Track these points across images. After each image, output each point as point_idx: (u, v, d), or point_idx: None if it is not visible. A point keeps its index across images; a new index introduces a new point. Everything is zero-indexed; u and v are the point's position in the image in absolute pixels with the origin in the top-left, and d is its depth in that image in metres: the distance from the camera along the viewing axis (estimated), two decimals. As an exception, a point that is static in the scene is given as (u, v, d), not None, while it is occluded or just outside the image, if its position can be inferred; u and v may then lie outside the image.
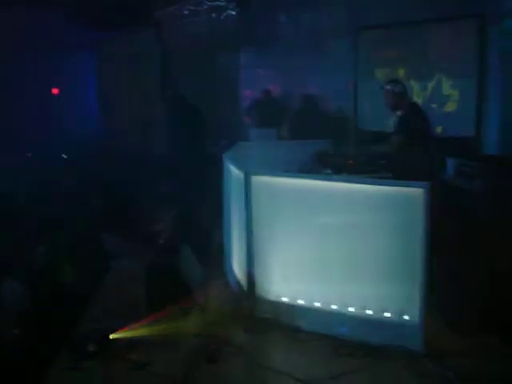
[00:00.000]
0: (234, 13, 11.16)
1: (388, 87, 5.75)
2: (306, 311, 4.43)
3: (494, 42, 7.99)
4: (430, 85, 8.74)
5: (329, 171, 5.55)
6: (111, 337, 4.20)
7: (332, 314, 4.32)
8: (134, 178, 10.58)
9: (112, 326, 4.31)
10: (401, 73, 9.18)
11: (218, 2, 11.17)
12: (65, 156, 11.37)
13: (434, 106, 8.66)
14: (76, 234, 6.58)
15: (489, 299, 4.45)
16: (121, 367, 3.96)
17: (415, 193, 3.88)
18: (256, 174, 4.53)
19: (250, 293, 4.62)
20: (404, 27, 9.15)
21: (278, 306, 4.54)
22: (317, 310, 4.39)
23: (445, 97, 8.59)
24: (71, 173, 10.70)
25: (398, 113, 5.74)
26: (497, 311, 4.32)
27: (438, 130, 7.98)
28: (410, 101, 5.76)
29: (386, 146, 5.68)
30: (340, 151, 5.98)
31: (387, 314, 4.13)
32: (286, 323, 4.46)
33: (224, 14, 11.21)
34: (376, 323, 4.15)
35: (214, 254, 6.36)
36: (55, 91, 13.96)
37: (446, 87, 8.56)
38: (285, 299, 4.54)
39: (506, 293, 4.36)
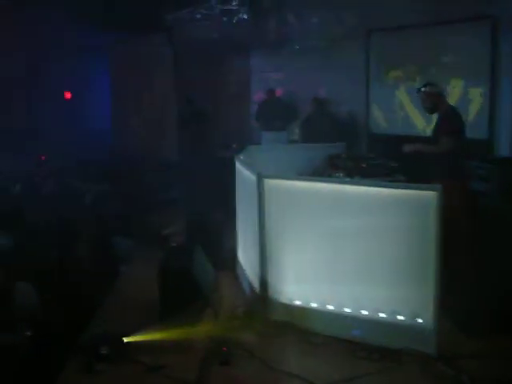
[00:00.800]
0: (245, 17, 11.16)
1: (425, 89, 5.73)
2: (320, 314, 4.43)
3: (508, 44, 7.95)
4: (444, 87, 8.70)
5: (341, 174, 5.54)
6: (124, 340, 4.21)
7: (345, 316, 4.32)
8: (145, 180, 10.62)
9: (125, 329, 4.32)
10: (413, 76, 9.15)
11: (229, 6, 11.17)
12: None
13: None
14: (89, 237, 6.61)
15: (502, 301, 4.43)
16: (134, 370, 3.98)
17: (428, 195, 3.87)
18: (268, 177, 4.54)
19: (262, 296, 4.63)
20: (416, 30, 9.11)
21: (291, 308, 4.54)
22: (330, 313, 4.39)
23: (457, 98, 8.56)
24: (85, 175, 10.75)
25: (438, 114, 5.70)
26: (510, 312, 4.31)
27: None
28: (448, 102, 5.74)
29: (434, 147, 5.63)
30: (352, 154, 5.97)
31: (401, 317, 4.11)
32: (299, 326, 4.46)
33: (236, 18, 11.22)
34: (390, 326, 4.14)
35: (226, 256, 6.37)
36: (68, 95, 14.03)
37: (460, 90, 8.53)
38: (298, 302, 4.55)
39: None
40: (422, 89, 5.74)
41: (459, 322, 4.48)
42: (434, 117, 5.88)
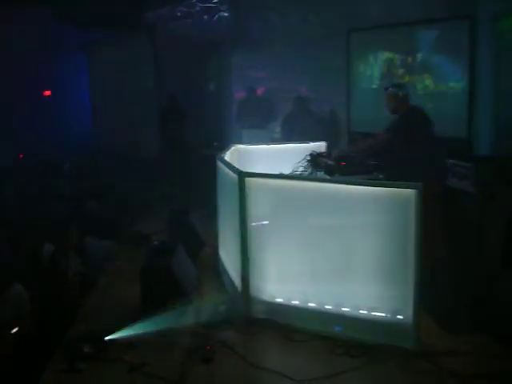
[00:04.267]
0: (226, 14, 11.18)
1: (392, 90, 5.78)
2: (301, 311, 4.46)
3: (486, 42, 8.03)
4: (421, 86, 8.78)
5: (322, 172, 5.57)
6: (106, 338, 4.21)
7: (326, 313, 4.35)
8: (125, 178, 10.60)
9: (107, 328, 4.32)
10: (392, 74, 9.22)
11: (210, 4, 11.18)
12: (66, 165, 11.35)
13: (425, 105, 8.69)
14: (70, 236, 6.58)
15: (480, 298, 4.50)
16: (116, 368, 3.97)
17: (407, 194, 3.91)
18: (250, 175, 4.56)
19: (244, 293, 4.64)
20: (395, 28, 9.18)
21: (272, 306, 4.57)
22: (311, 310, 4.42)
23: (436, 97, 8.63)
24: (64, 174, 10.70)
25: (398, 115, 5.77)
26: (488, 310, 4.37)
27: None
28: (410, 105, 5.80)
29: (370, 142, 5.75)
30: (332, 153, 6.00)
31: (381, 314, 4.15)
32: (280, 323, 4.49)
33: (216, 16, 11.23)
34: (370, 323, 4.18)
35: (207, 255, 6.39)
36: (47, 93, 13.94)
37: (438, 88, 8.60)
38: (279, 300, 4.57)
39: (496, 291, 4.41)
40: (390, 89, 5.81)
41: (439, 318, 4.54)
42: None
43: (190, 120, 10.60)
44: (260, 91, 11.18)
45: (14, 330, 4.25)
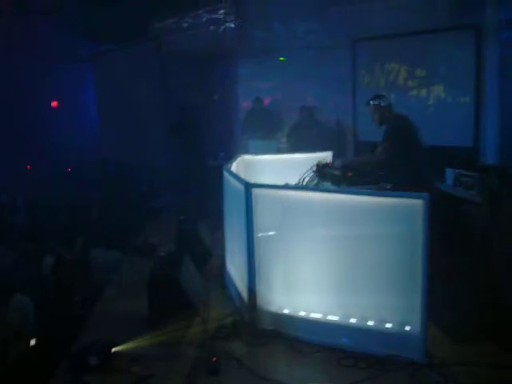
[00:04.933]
0: (232, 25, 11.22)
1: (374, 103, 5.84)
2: (307, 323, 4.44)
3: (492, 52, 8.03)
4: (429, 95, 8.78)
5: (328, 183, 5.57)
6: (113, 350, 4.20)
7: (333, 325, 4.33)
8: (133, 190, 10.63)
9: (113, 339, 4.32)
10: (398, 83, 9.23)
11: (216, 15, 11.22)
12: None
13: (432, 115, 8.69)
14: (76, 247, 6.60)
15: (486, 308, 4.48)
16: (123, 380, 3.95)
17: (414, 204, 3.90)
18: (256, 186, 4.56)
19: (251, 305, 4.63)
20: (401, 38, 9.20)
21: (279, 317, 4.56)
22: (318, 322, 4.40)
23: (443, 107, 8.63)
24: (72, 185, 10.74)
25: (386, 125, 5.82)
26: (495, 319, 4.35)
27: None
28: (394, 113, 5.85)
29: (375, 155, 5.75)
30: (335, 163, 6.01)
31: (389, 325, 4.14)
32: (287, 335, 4.47)
33: (222, 27, 11.27)
34: (378, 334, 4.16)
35: (214, 266, 6.39)
36: (54, 104, 14.00)
37: (445, 97, 8.60)
38: (286, 311, 4.55)
39: (503, 300, 4.39)
40: (371, 102, 5.85)
41: (446, 328, 4.52)
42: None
43: (200, 131, 10.62)
44: (266, 101, 11.19)
45: (32, 342, 4.25)
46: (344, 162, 5.86)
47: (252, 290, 4.60)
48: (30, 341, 4.27)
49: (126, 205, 9.09)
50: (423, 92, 8.85)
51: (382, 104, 5.78)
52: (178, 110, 10.78)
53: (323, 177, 5.70)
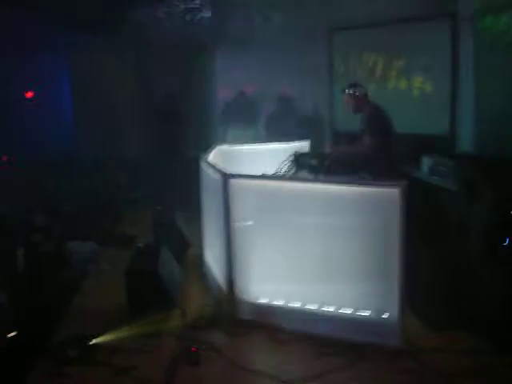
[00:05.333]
0: (208, 15, 11.17)
1: (349, 91, 5.85)
2: (285, 311, 4.47)
3: (467, 41, 8.08)
4: (405, 84, 8.83)
5: (306, 172, 5.59)
6: (92, 342, 4.19)
7: (312, 313, 4.37)
8: (110, 181, 10.54)
9: (92, 331, 4.31)
10: (375, 73, 9.26)
11: (192, 5, 11.16)
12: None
13: (408, 103, 8.73)
14: (52, 240, 6.55)
15: (462, 295, 4.54)
16: (102, 372, 3.95)
17: (391, 193, 3.93)
18: (233, 177, 4.56)
19: (229, 294, 4.65)
20: (377, 28, 9.21)
21: (258, 307, 4.58)
22: (296, 310, 4.44)
23: (419, 95, 8.68)
24: (47, 176, 10.62)
25: (363, 114, 5.83)
26: (470, 306, 4.41)
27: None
28: (371, 103, 5.86)
29: (359, 147, 5.75)
30: (317, 152, 6.03)
31: (366, 313, 4.18)
32: (266, 324, 4.50)
33: (198, 16, 11.21)
34: (356, 321, 4.21)
35: (193, 256, 6.39)
36: (29, 94, 13.81)
37: (421, 86, 8.65)
38: (264, 300, 4.58)
39: (478, 288, 4.45)
40: (347, 90, 5.86)
41: (423, 316, 4.58)
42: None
43: (188, 119, 10.52)
44: (246, 91, 11.16)
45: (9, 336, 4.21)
46: (335, 154, 5.86)
47: (230, 280, 4.62)
48: (5, 335, 4.22)
49: (102, 196, 9.01)
50: (401, 81, 8.88)
51: (357, 93, 5.79)
52: (167, 98, 10.64)
53: (301, 166, 5.71)
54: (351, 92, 5.83)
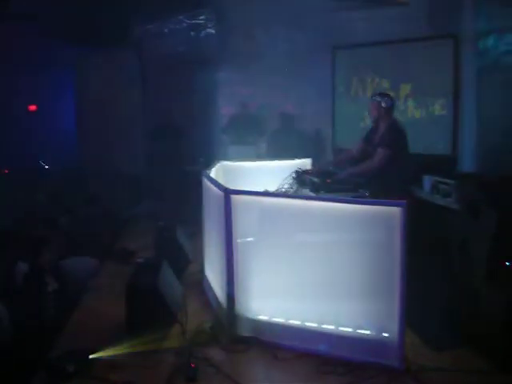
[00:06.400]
0: (213, 31, 11.24)
1: (377, 99, 5.82)
2: (286, 329, 4.45)
3: (469, 61, 8.13)
4: (407, 103, 8.85)
5: (307, 190, 5.59)
6: (91, 356, 4.17)
7: (312, 331, 4.34)
8: (111, 196, 10.53)
9: (91, 346, 4.29)
10: (377, 91, 9.28)
11: (196, 21, 11.24)
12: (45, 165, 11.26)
13: (408, 122, 8.73)
14: (52, 253, 6.53)
15: (464, 314, 4.52)
16: (101, 387, 3.94)
17: (392, 211, 3.93)
18: (235, 192, 4.56)
19: (229, 311, 4.63)
20: (380, 47, 9.27)
21: (257, 324, 4.56)
22: (295, 328, 4.42)
23: (422, 115, 8.71)
24: (48, 189, 10.61)
25: (380, 127, 5.82)
26: (472, 325, 4.40)
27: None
28: (392, 117, 5.86)
29: (370, 161, 5.74)
30: (318, 170, 6.03)
31: (367, 331, 4.16)
32: (265, 341, 4.48)
33: (203, 33, 11.29)
34: (356, 340, 4.18)
35: (193, 272, 6.37)
36: (32, 108, 13.86)
37: (423, 106, 8.68)
38: (264, 317, 4.56)
39: (480, 307, 4.43)
40: (375, 98, 5.85)
41: (423, 335, 4.56)
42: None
43: (182, 135, 10.56)
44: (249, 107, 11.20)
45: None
46: (322, 167, 5.88)
47: (230, 297, 4.60)
48: (4, 347, 4.21)
49: (101, 212, 9.00)
50: (402, 101, 8.91)
51: (383, 104, 5.75)
52: (165, 113, 10.67)
53: (302, 183, 5.71)
54: (379, 100, 5.80)
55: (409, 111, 8.84)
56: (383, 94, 6.04)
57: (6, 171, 11.84)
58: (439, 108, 8.48)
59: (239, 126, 10.58)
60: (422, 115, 8.69)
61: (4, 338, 4.33)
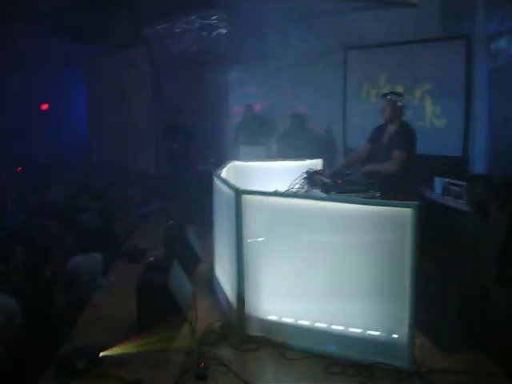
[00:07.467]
0: (224, 31, 11.27)
1: (390, 98, 5.78)
2: (295, 329, 4.45)
3: (481, 63, 8.10)
4: (418, 104, 8.83)
5: (318, 190, 5.58)
6: (101, 354, 4.19)
7: (321, 332, 4.34)
8: (122, 194, 10.59)
9: (101, 343, 4.31)
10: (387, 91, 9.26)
11: (208, 21, 11.27)
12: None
13: (420, 124, 8.72)
14: (64, 250, 6.57)
15: (474, 315, 4.51)
16: (111, 385, 3.95)
17: (403, 212, 3.92)
18: (246, 192, 4.57)
19: (239, 310, 4.64)
20: (392, 48, 9.25)
21: (267, 324, 4.57)
22: (305, 328, 4.41)
23: (432, 116, 8.69)
24: (60, 187, 10.69)
25: (389, 127, 5.80)
26: (481, 327, 4.38)
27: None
28: (403, 119, 5.83)
29: (390, 164, 5.70)
30: (331, 172, 6.01)
31: (376, 332, 4.15)
32: (275, 341, 4.48)
33: (215, 33, 11.32)
34: (365, 341, 4.18)
35: (203, 271, 6.39)
36: (44, 106, 13.95)
37: (434, 107, 8.66)
38: (274, 317, 4.56)
39: (490, 309, 4.41)
40: (388, 96, 5.81)
41: (433, 336, 4.54)
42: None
43: (195, 134, 10.59)
44: (258, 107, 11.20)
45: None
46: (365, 168, 5.82)
47: (240, 296, 4.61)
48: (15, 344, 4.23)
49: (114, 210, 9.04)
50: (414, 101, 8.89)
51: (398, 103, 5.71)
52: (174, 112, 10.68)
53: (313, 184, 5.70)
54: (392, 99, 5.76)
55: (420, 111, 8.81)
56: (397, 93, 6.00)
57: (19, 168, 11.94)
58: (451, 110, 8.45)
59: (250, 127, 10.57)
60: (434, 117, 8.66)
61: (17, 336, 4.35)
